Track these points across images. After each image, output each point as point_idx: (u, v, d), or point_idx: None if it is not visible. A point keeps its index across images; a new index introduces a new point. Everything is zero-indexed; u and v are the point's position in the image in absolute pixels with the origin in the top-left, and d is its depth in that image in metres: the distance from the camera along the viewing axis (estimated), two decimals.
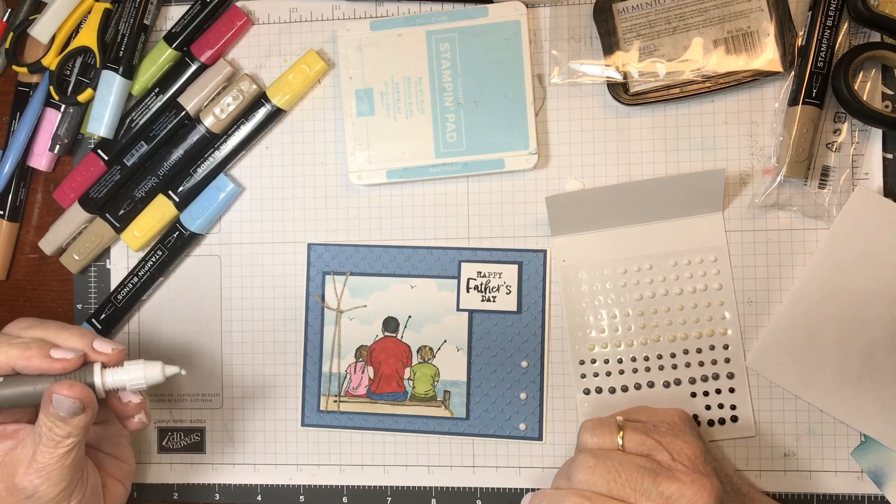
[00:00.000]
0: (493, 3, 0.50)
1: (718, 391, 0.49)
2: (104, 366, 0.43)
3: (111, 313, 0.53)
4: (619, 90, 0.49)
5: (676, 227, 0.50)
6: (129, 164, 0.53)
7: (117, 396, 0.44)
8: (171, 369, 0.44)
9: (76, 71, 0.54)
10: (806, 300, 0.48)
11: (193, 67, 0.52)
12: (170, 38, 0.52)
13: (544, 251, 0.51)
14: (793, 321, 0.48)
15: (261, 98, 0.52)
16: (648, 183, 0.49)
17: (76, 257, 0.54)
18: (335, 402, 0.52)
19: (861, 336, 0.47)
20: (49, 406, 0.40)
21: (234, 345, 0.53)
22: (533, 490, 0.50)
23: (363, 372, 0.52)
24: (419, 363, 0.52)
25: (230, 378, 0.54)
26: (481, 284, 0.51)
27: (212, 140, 0.52)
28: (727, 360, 0.49)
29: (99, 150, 0.53)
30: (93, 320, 0.53)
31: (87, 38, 0.52)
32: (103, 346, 0.43)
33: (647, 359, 0.50)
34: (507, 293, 0.51)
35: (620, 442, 0.44)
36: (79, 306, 0.55)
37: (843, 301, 0.48)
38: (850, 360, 0.47)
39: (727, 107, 0.50)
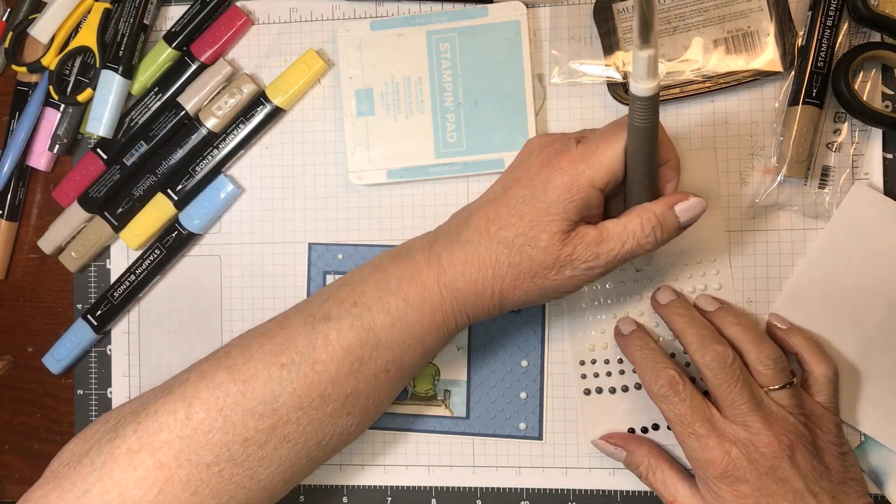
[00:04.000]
0: (493, 3, 0.50)
1: None
2: None
3: (107, 310, 0.53)
4: (619, 90, 0.49)
5: None
6: (128, 163, 0.53)
7: None
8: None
9: (76, 70, 0.54)
10: (801, 297, 0.48)
11: (193, 67, 0.52)
12: (169, 37, 0.52)
13: None
14: (788, 319, 0.48)
15: (260, 98, 0.52)
16: None
17: (75, 256, 0.54)
18: None
19: (857, 333, 0.47)
20: (672, 214, 0.41)
21: None
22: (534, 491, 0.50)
23: None
24: None
25: None
26: None
27: (211, 140, 0.52)
28: None
29: (98, 150, 0.53)
30: (88, 316, 0.53)
31: (87, 37, 0.52)
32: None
33: None
34: None
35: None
36: (79, 305, 0.55)
37: (839, 298, 0.48)
38: (845, 357, 0.47)
39: (727, 107, 0.50)
